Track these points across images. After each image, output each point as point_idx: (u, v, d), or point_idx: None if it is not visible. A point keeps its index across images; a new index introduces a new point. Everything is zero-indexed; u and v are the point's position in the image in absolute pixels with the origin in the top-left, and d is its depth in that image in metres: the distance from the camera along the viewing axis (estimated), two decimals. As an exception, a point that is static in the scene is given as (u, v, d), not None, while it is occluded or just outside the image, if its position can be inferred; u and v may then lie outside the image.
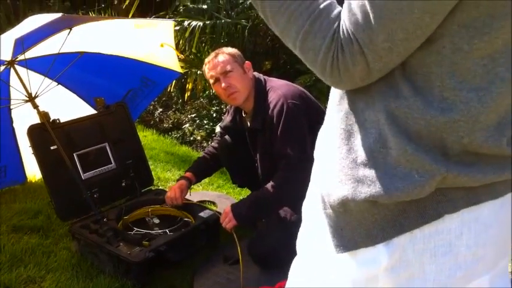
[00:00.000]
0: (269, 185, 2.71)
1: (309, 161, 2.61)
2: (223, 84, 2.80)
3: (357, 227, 1.04)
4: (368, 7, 0.89)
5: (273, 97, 2.76)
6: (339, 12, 0.97)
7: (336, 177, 1.05)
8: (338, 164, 1.04)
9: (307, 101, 2.80)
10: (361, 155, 1.00)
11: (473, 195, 0.97)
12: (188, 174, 3.15)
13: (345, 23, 0.93)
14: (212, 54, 2.88)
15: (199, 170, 3.20)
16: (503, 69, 0.91)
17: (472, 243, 1.00)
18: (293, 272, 1.28)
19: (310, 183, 1.23)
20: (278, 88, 2.80)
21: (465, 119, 0.92)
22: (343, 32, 0.93)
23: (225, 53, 2.84)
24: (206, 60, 2.91)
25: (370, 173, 0.99)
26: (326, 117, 1.15)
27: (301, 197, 2.68)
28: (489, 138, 0.94)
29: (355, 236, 1.04)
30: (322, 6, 0.97)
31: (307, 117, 2.73)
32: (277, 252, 2.66)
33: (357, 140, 1.01)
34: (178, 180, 3.17)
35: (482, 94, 0.91)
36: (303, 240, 1.25)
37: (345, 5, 0.95)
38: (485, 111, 0.92)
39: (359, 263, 1.05)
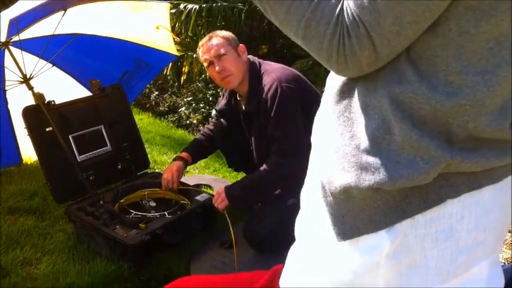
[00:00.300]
0: (262, 168, 2.73)
1: (302, 144, 2.63)
2: (217, 68, 2.78)
3: (359, 213, 1.02)
4: None
5: (267, 80, 2.74)
6: None
7: (338, 164, 1.03)
8: (341, 150, 1.02)
9: (302, 85, 2.79)
10: (364, 141, 0.98)
11: (474, 179, 0.97)
12: (184, 154, 3.14)
13: (350, 5, 0.90)
14: (206, 38, 2.86)
15: (195, 151, 3.19)
16: (509, 52, 0.90)
17: (473, 227, 0.99)
18: (291, 258, 1.27)
19: (308, 169, 1.20)
20: (272, 71, 2.78)
21: (471, 103, 0.91)
22: (347, 15, 0.90)
23: (219, 36, 2.82)
24: (200, 43, 2.88)
25: (374, 160, 0.97)
26: (323, 103, 1.13)
27: (298, 180, 2.68)
28: (492, 122, 0.93)
29: (357, 223, 1.03)
30: None
31: (302, 100, 2.72)
32: (273, 236, 2.67)
33: (360, 126, 0.99)
34: (174, 160, 3.15)
35: (488, 78, 0.90)
36: (301, 227, 1.23)
37: None
38: (491, 95, 0.91)
39: (361, 251, 1.04)
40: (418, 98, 0.92)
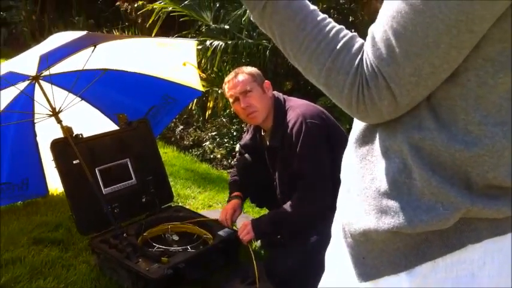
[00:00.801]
0: (288, 204, 2.73)
1: (328, 180, 2.62)
2: (242, 104, 2.82)
3: (379, 255, 1.02)
4: (393, 41, 0.88)
5: (291, 116, 2.77)
6: (361, 46, 0.96)
7: (359, 206, 1.04)
8: (362, 193, 1.03)
9: (326, 121, 2.80)
10: (384, 184, 0.99)
11: (497, 225, 0.96)
12: (237, 193, 3.15)
13: (369, 56, 0.92)
14: (232, 74, 2.90)
15: (243, 189, 3.19)
16: None
17: (495, 273, 0.98)
18: None
19: (337, 207, 1.21)
20: (297, 107, 2.81)
21: (490, 154, 0.91)
22: (367, 66, 0.92)
23: (245, 73, 2.86)
24: (226, 79, 2.93)
25: (394, 203, 0.97)
26: (349, 143, 1.13)
27: (323, 216, 2.67)
28: None
29: (378, 264, 1.03)
30: (342, 42, 0.97)
31: (327, 137, 2.74)
32: (295, 275, 2.65)
33: (381, 170, 1.00)
34: (228, 200, 3.17)
35: (506, 128, 0.91)
36: (328, 264, 1.23)
37: (368, 37, 0.94)
38: (510, 146, 0.91)
39: None
40: (437, 146, 0.92)
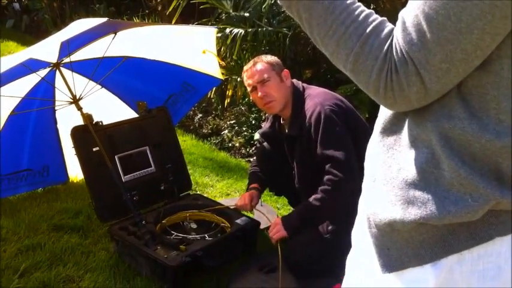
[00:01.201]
0: (318, 192, 2.67)
1: (354, 161, 2.59)
2: (259, 93, 2.81)
3: (404, 246, 1.01)
4: (424, 26, 0.86)
5: (310, 104, 2.75)
6: (390, 31, 0.94)
7: (385, 197, 1.02)
8: (389, 184, 1.02)
9: (345, 109, 2.78)
10: (412, 174, 0.97)
11: None
12: (255, 185, 3.14)
13: (399, 42, 0.90)
14: (251, 62, 2.89)
15: (261, 181, 3.18)
16: None
17: None
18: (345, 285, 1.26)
19: (360, 198, 1.19)
20: (316, 96, 2.78)
21: None
22: (396, 51, 0.90)
23: (263, 62, 2.84)
24: (245, 68, 2.91)
25: (421, 194, 0.96)
26: (374, 132, 1.12)
27: (339, 207, 2.65)
28: None
29: (402, 256, 1.01)
30: (371, 26, 0.95)
31: (346, 124, 2.71)
32: (314, 263, 2.65)
33: (408, 160, 0.98)
34: (247, 191, 3.15)
35: None
36: (351, 257, 1.22)
37: (399, 22, 0.92)
38: None
39: (405, 283, 1.02)
40: (467, 136, 0.90)
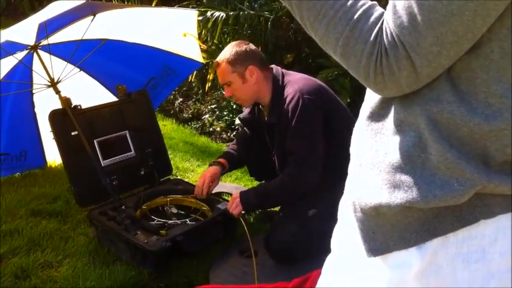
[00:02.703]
0: (277, 179, 2.74)
1: (320, 156, 2.63)
2: (226, 94, 2.91)
3: (389, 230, 1.01)
4: (415, 9, 0.85)
5: (289, 91, 2.72)
6: (381, 14, 0.93)
7: (371, 180, 1.02)
8: (375, 167, 1.01)
9: (324, 96, 2.76)
10: (398, 158, 0.97)
11: (511, 201, 0.94)
12: (221, 159, 3.11)
13: (389, 25, 0.89)
14: (216, 61, 2.85)
15: (231, 160, 3.16)
16: None
17: (506, 250, 0.96)
18: (326, 269, 1.26)
19: (346, 181, 1.18)
20: (295, 82, 2.76)
21: (510, 127, 0.88)
22: (386, 35, 0.90)
23: (225, 62, 2.78)
24: (214, 63, 2.91)
25: (407, 178, 0.95)
26: (360, 116, 1.11)
27: (320, 191, 2.67)
28: None
29: (388, 240, 1.01)
30: (361, 10, 0.94)
31: (324, 112, 2.70)
32: (293, 247, 2.66)
33: (395, 144, 0.98)
34: (210, 164, 3.11)
35: None
36: (336, 239, 1.22)
37: (389, 5, 0.91)
38: None
39: (390, 267, 1.02)
40: (456, 119, 0.90)
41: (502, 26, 0.85)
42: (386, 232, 1.01)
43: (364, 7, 0.94)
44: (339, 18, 0.94)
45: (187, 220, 2.90)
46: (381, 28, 0.91)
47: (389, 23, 0.89)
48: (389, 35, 0.89)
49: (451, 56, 0.87)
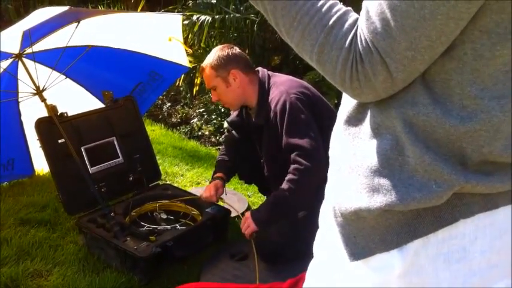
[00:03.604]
0: (284, 183, 2.61)
1: (321, 150, 2.60)
2: (213, 98, 2.94)
3: (370, 233, 1.01)
4: (388, 14, 0.85)
5: (275, 93, 2.72)
6: (355, 21, 0.93)
7: (350, 185, 1.02)
8: (354, 171, 1.01)
9: (310, 97, 2.75)
10: (376, 162, 0.97)
11: (489, 199, 0.95)
12: (219, 174, 3.09)
13: (363, 31, 0.89)
14: (202, 66, 2.87)
15: (227, 170, 3.14)
16: None
17: (487, 248, 0.97)
18: (309, 274, 1.25)
19: (326, 186, 1.18)
20: (281, 84, 2.76)
21: (486, 128, 0.89)
22: (361, 41, 0.90)
23: (209, 67, 2.80)
24: (200, 68, 2.93)
25: (386, 181, 0.95)
26: (338, 120, 1.11)
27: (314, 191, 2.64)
28: (508, 147, 0.91)
29: (369, 243, 1.01)
30: (335, 16, 0.94)
31: (311, 111, 2.69)
32: (284, 248, 2.65)
33: (373, 147, 0.98)
34: (211, 182, 3.10)
35: (504, 102, 0.88)
36: (318, 244, 1.21)
37: (362, 11, 0.91)
38: (507, 120, 0.89)
39: (373, 270, 1.02)
40: (431, 121, 0.90)
41: (474, 28, 0.85)
42: (367, 235, 1.01)
43: (338, 13, 0.94)
44: (314, 25, 0.94)
45: (177, 225, 2.89)
46: (355, 34, 0.91)
47: (363, 29, 0.89)
48: (363, 41, 0.89)
49: (425, 60, 0.87)
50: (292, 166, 2.60)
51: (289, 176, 2.60)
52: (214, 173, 3.15)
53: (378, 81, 0.90)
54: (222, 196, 3.06)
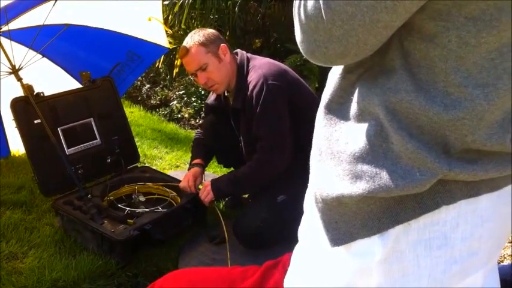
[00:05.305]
0: (247, 165, 2.74)
1: (288, 142, 2.62)
2: (200, 80, 2.79)
3: (352, 218, 1.00)
4: None
5: (253, 77, 2.70)
6: None
7: (331, 171, 1.00)
8: (336, 157, 1.00)
9: (289, 80, 2.74)
10: (360, 148, 0.95)
11: (472, 186, 0.94)
12: (198, 160, 3.09)
13: None
14: (183, 47, 2.77)
15: (205, 155, 3.14)
16: (511, 64, 0.86)
17: (468, 235, 0.96)
18: (294, 259, 1.24)
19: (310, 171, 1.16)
20: (259, 67, 2.73)
21: (470, 117, 0.87)
22: None
23: (197, 45, 2.72)
24: (179, 51, 2.84)
25: (369, 168, 0.94)
26: (321, 106, 1.08)
27: (290, 177, 2.67)
28: (493, 136, 0.90)
29: (351, 228, 1.00)
30: None
31: (290, 96, 2.68)
32: (262, 232, 2.65)
33: (356, 133, 0.96)
34: (189, 168, 3.09)
35: (488, 91, 0.87)
36: (302, 229, 1.21)
37: None
38: (491, 109, 0.87)
39: (353, 255, 1.01)
40: (414, 109, 0.89)
41: (460, 15, 0.83)
42: (348, 220, 1.00)
43: None
44: None
45: (154, 208, 2.86)
46: None
47: None
48: None
49: (366, 23, 0.84)
50: (256, 155, 2.71)
51: (251, 162, 2.73)
52: (192, 159, 3.14)
53: (310, 28, 0.89)
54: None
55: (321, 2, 0.85)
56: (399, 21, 0.85)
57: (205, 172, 3.52)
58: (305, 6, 0.89)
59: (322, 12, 0.85)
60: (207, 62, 2.72)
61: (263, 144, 2.66)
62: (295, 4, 0.92)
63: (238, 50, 2.87)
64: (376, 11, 0.82)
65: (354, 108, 0.97)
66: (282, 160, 2.67)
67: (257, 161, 2.69)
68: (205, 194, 2.77)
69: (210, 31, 2.81)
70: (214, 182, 2.78)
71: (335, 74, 1.03)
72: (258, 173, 2.71)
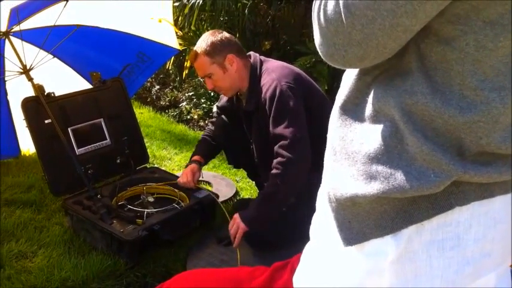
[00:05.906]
0: (271, 175, 2.56)
1: (307, 140, 2.57)
2: (208, 86, 2.83)
3: (365, 218, 0.99)
4: None
5: (266, 79, 2.69)
6: None
7: (346, 171, 1.01)
8: (350, 157, 1.00)
9: (302, 83, 2.73)
10: (375, 148, 0.95)
11: (485, 188, 0.93)
12: (196, 157, 3.09)
13: None
14: (193, 53, 2.77)
15: (206, 152, 3.14)
16: None
17: (481, 237, 0.96)
18: (304, 258, 1.24)
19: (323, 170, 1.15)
20: (273, 70, 2.72)
21: (485, 119, 0.87)
22: None
23: (203, 54, 2.72)
24: (190, 57, 2.88)
25: (384, 168, 0.94)
26: (336, 106, 1.08)
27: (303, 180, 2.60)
28: (507, 139, 0.89)
29: (364, 228, 1.00)
30: None
31: (303, 99, 2.67)
32: (272, 234, 2.64)
33: (371, 134, 0.96)
34: (187, 165, 3.09)
35: (504, 94, 0.86)
36: (313, 227, 1.20)
37: None
38: (506, 112, 0.87)
39: (366, 255, 1.01)
40: (430, 111, 0.89)
41: (477, 19, 0.83)
42: (362, 220, 1.00)
43: None
44: None
45: (163, 209, 2.86)
46: None
47: None
48: None
49: (385, 27, 0.84)
50: (275, 160, 2.56)
51: (273, 171, 2.55)
52: (192, 155, 3.15)
53: (330, 31, 0.89)
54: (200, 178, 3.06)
55: (341, 6, 0.85)
56: (419, 26, 0.85)
57: (213, 173, 3.54)
58: (325, 10, 0.89)
59: (343, 16, 0.86)
60: (212, 72, 2.74)
61: (281, 144, 2.55)
62: (315, 8, 0.92)
63: (251, 53, 2.87)
64: (396, 15, 0.83)
65: (369, 109, 0.97)
66: (303, 157, 2.51)
67: (280, 164, 2.53)
68: (235, 228, 2.57)
69: (221, 36, 2.76)
70: (242, 213, 2.60)
71: (350, 75, 1.03)
72: (284, 176, 2.52)
